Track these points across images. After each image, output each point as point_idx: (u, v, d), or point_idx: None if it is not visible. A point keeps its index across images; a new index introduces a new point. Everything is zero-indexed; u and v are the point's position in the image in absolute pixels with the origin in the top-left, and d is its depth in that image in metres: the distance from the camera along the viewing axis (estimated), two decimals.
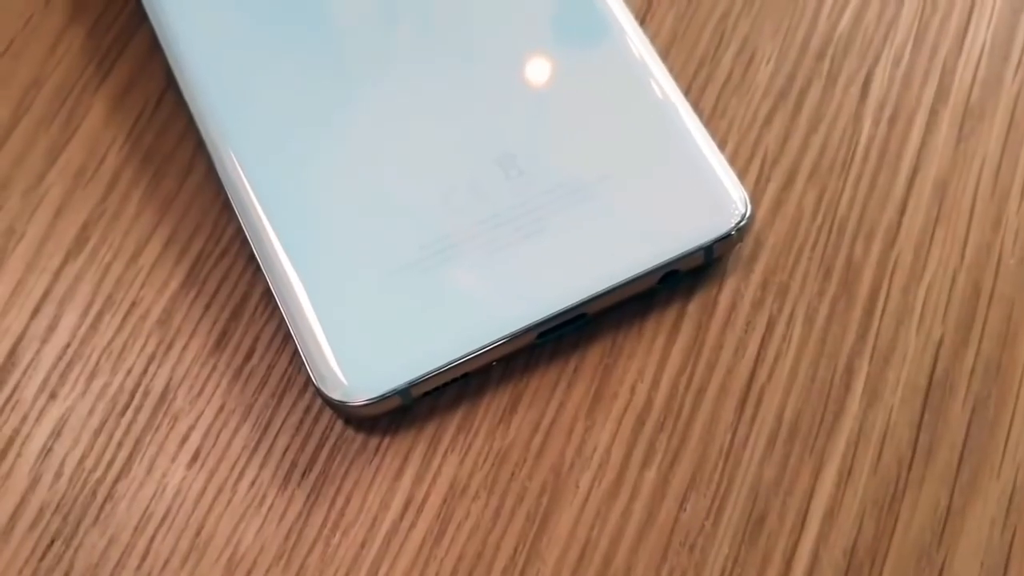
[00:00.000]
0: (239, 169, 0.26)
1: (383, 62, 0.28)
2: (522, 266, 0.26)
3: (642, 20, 0.30)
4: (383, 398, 0.24)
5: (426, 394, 0.25)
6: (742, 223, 0.26)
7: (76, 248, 0.27)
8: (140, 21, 0.29)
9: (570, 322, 0.26)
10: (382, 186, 0.26)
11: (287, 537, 0.25)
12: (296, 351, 0.26)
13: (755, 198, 0.28)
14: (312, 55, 0.28)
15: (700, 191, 0.26)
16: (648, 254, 0.26)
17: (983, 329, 0.27)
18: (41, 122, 0.28)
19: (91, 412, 0.26)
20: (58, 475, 0.25)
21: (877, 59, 0.30)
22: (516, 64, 0.28)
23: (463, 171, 0.26)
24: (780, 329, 0.27)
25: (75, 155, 0.28)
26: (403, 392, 0.25)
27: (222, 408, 0.26)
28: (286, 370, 0.26)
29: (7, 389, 0.26)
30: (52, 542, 0.25)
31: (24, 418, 0.26)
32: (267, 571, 0.24)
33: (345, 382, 0.25)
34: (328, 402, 0.25)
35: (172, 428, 0.26)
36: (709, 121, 0.29)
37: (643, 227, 0.26)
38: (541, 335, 0.25)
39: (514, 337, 0.25)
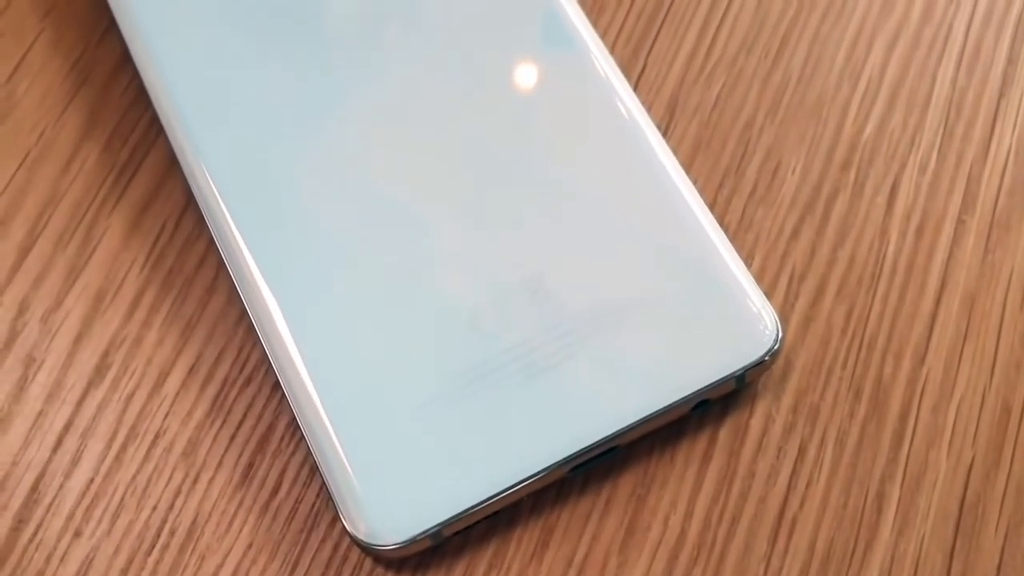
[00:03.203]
0: (264, 295, 0.26)
1: (407, 187, 0.27)
2: (553, 396, 0.25)
3: (665, 131, 0.29)
4: (414, 540, 0.24)
5: (456, 532, 0.25)
6: (775, 347, 0.26)
7: (97, 377, 0.27)
8: (157, 134, 0.29)
9: (602, 454, 0.25)
10: (409, 312, 0.26)
11: None
12: (323, 485, 0.25)
13: (784, 315, 0.28)
14: (336, 181, 0.27)
15: (731, 315, 0.26)
16: (681, 383, 0.25)
17: (1014, 450, 0.27)
18: (58, 243, 0.28)
19: (117, 551, 0.25)
20: None
21: (903, 167, 0.29)
22: (541, 183, 0.27)
23: (491, 295, 0.26)
24: (812, 454, 0.26)
25: (94, 277, 0.28)
26: (434, 534, 0.24)
27: (250, 546, 0.25)
28: (314, 504, 0.26)
29: (31, 527, 0.25)
30: None
31: (48, 558, 0.25)
32: None
33: (375, 525, 0.24)
34: (357, 543, 0.24)
35: (200, 567, 0.25)
36: (735, 235, 0.28)
37: (674, 354, 0.26)
38: (574, 468, 0.25)
39: (547, 472, 0.25)
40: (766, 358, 0.26)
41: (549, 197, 0.27)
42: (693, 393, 0.25)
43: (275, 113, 0.28)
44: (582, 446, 0.25)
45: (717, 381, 0.26)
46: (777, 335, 0.26)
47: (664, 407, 0.25)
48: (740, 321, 0.26)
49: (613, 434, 0.25)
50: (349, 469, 0.25)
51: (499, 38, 0.29)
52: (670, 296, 0.26)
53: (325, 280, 0.26)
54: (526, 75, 0.29)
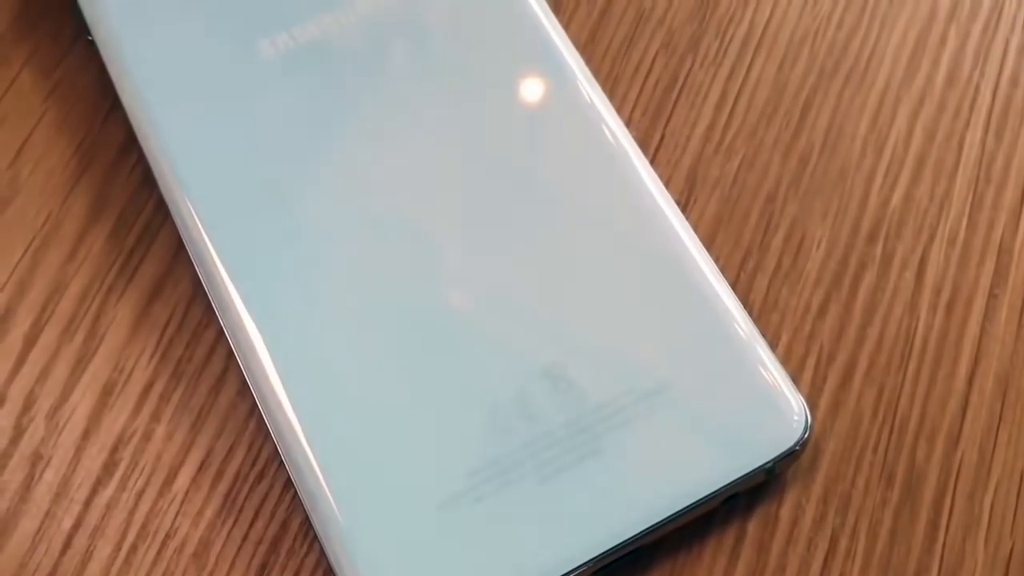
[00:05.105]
0: (276, 389, 0.25)
1: (423, 273, 0.26)
2: (577, 494, 0.24)
3: (684, 206, 0.29)
4: None
5: None
6: (804, 436, 0.25)
7: (105, 475, 0.26)
8: (165, 217, 0.28)
9: (629, 553, 0.24)
10: (424, 407, 0.25)
11: None
12: None
13: (812, 399, 0.27)
14: (349, 267, 0.26)
15: (759, 404, 0.25)
16: (710, 477, 0.25)
17: None
18: (64, 333, 0.27)
19: None
20: None
21: (932, 238, 0.28)
22: (558, 268, 0.26)
23: (511, 385, 0.25)
24: (844, 545, 0.26)
25: (101, 369, 0.27)
26: None
27: None
28: None
29: None
30: None
31: None
32: None
33: None
34: None
35: None
36: (760, 316, 0.28)
37: (701, 447, 0.25)
38: (599, 570, 0.24)
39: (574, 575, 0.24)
40: (796, 448, 0.25)
41: (567, 282, 0.26)
42: (722, 488, 0.25)
43: (286, 195, 0.27)
44: (607, 547, 0.24)
45: (746, 475, 0.25)
46: (807, 423, 0.25)
47: (692, 503, 0.24)
48: (768, 410, 0.25)
49: (640, 533, 0.24)
50: (364, 574, 0.24)
51: (512, 110, 0.28)
52: (695, 385, 0.25)
53: (338, 374, 0.25)
54: (540, 151, 0.28)
